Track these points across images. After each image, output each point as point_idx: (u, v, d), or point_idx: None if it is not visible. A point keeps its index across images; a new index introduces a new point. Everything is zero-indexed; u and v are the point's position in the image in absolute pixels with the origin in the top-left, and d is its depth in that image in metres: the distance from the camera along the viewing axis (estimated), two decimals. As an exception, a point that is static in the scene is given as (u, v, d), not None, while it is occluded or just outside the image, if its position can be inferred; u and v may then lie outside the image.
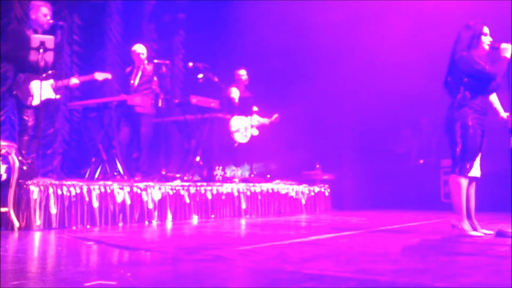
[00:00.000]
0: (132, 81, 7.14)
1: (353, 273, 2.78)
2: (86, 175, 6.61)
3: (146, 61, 7.18)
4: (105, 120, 6.96)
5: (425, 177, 9.36)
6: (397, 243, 4.18)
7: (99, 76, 6.24)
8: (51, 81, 5.74)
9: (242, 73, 8.39)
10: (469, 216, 4.59)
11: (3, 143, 5.06)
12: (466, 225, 4.51)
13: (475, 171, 4.58)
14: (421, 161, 9.77)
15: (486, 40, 4.57)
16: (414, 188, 9.28)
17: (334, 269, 2.91)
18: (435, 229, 5.39)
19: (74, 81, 6.07)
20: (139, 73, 7.13)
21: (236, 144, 8.16)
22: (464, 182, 4.51)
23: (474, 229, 4.55)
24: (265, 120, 8.54)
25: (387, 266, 3.02)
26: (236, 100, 8.12)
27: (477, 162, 4.58)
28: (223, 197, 6.94)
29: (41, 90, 5.50)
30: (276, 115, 8.55)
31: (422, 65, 8.33)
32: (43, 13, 5.72)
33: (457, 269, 2.98)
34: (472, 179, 4.61)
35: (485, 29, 4.59)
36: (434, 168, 9.26)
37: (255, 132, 8.33)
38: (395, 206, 8.92)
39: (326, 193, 8.85)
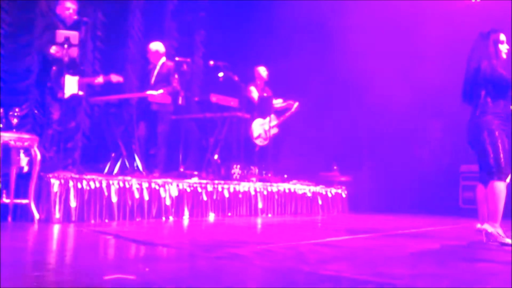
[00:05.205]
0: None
1: (370, 276, 2.78)
2: (105, 170, 6.67)
3: (165, 58, 7.19)
4: (125, 116, 7.01)
5: (443, 182, 9.28)
6: (414, 247, 4.16)
7: (114, 78, 6.45)
8: (77, 77, 5.86)
9: (262, 70, 8.42)
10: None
11: (26, 136, 5.14)
12: (501, 231, 4.39)
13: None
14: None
15: (504, 49, 4.51)
16: (432, 192, 9.20)
17: (351, 271, 2.91)
18: (453, 234, 5.34)
19: (100, 80, 6.32)
20: (155, 72, 7.14)
21: (257, 149, 8.22)
22: (504, 187, 4.41)
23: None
24: (283, 104, 8.52)
25: (404, 270, 3.01)
26: (256, 99, 8.18)
27: None
28: (240, 195, 6.96)
29: (67, 85, 5.63)
30: (296, 104, 8.53)
31: (439, 70, 8.29)
32: (67, 7, 5.85)
33: (475, 275, 2.96)
34: None
35: (502, 37, 4.52)
36: (453, 173, 9.16)
37: (274, 131, 8.34)
38: (412, 210, 8.86)
39: (343, 195, 8.82)
